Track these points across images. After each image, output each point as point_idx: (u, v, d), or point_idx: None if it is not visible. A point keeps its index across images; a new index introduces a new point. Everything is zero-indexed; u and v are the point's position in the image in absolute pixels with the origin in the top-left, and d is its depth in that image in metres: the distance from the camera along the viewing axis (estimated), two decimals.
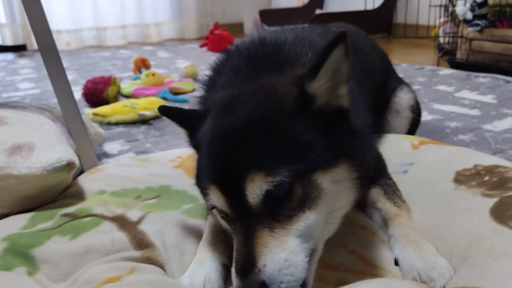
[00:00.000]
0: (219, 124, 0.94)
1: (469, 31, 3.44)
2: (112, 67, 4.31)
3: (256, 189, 0.83)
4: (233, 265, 0.84)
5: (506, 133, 2.13)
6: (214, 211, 1.02)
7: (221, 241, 1.10)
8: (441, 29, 3.90)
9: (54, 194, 1.22)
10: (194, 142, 1.06)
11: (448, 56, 3.77)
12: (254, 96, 0.94)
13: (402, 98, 1.79)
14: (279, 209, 0.84)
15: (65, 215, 1.12)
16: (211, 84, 1.26)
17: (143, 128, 2.39)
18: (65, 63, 4.71)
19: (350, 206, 1.01)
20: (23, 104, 1.41)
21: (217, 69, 1.27)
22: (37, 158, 1.12)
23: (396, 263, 1.05)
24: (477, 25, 3.36)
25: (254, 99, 0.93)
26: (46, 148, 1.16)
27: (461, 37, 3.52)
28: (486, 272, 0.88)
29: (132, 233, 1.06)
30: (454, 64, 3.68)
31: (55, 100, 3.05)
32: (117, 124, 2.44)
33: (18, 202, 1.15)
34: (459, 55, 3.61)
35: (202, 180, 0.96)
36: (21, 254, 0.98)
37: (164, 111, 1.10)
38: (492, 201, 1.13)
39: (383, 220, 1.17)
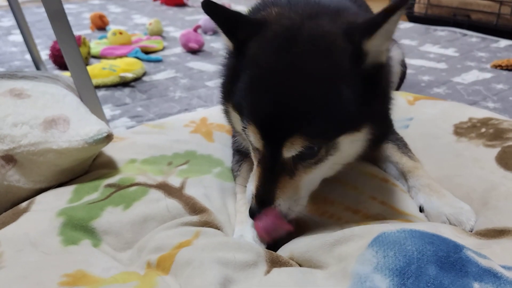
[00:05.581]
0: (272, 63, 0.92)
1: None
2: None
3: (292, 150, 0.92)
4: (253, 191, 0.97)
5: (475, 85, 2.32)
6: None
7: None
8: None
9: (87, 166, 1.22)
10: (239, 59, 0.98)
11: (406, 10, 3.92)
12: (313, 43, 0.93)
13: (393, 54, 1.89)
14: (301, 161, 0.96)
15: (109, 185, 1.13)
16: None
17: (127, 91, 2.34)
18: (9, 21, 4.36)
19: (356, 158, 1.09)
20: (32, 74, 1.35)
21: None
22: (75, 131, 1.10)
23: (421, 210, 1.17)
24: None
25: (313, 47, 0.92)
26: (81, 120, 1.14)
27: None
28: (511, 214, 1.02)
29: (183, 198, 1.10)
30: (412, 18, 3.85)
31: (16, 63, 2.91)
32: (97, 87, 2.36)
33: (56, 175, 1.14)
34: (417, 9, 3.77)
35: (242, 107, 0.96)
36: (81, 227, 1.00)
37: (210, 7, 0.95)
38: (495, 151, 1.26)
39: (401, 173, 1.28)
